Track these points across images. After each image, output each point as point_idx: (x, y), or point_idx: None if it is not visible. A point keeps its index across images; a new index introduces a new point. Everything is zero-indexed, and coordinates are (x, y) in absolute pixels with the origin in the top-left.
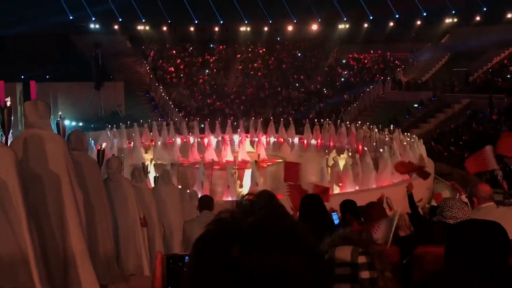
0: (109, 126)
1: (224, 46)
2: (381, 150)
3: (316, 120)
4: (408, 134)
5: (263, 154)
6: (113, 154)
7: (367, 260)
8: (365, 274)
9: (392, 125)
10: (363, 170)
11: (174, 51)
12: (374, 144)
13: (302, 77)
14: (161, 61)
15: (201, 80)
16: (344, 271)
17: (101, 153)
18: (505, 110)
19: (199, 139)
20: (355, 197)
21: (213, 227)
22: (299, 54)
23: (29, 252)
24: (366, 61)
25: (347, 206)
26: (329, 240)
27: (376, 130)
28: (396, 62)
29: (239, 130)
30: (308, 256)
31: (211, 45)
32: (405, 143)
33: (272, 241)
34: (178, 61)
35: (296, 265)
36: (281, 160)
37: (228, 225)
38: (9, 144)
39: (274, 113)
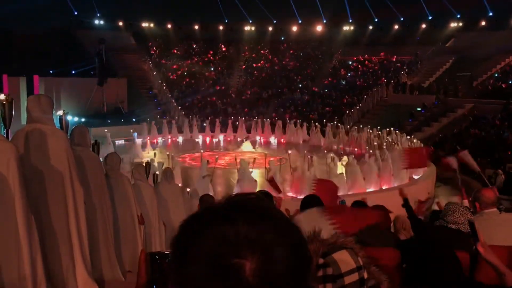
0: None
1: (228, 45)
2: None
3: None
4: (410, 137)
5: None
6: (113, 151)
7: (361, 260)
8: (365, 275)
9: (395, 129)
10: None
11: (177, 51)
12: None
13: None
14: (164, 60)
15: (203, 80)
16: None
17: (96, 147)
18: (508, 115)
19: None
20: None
21: (197, 210)
22: (301, 54)
23: (25, 246)
24: (370, 63)
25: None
26: (318, 249)
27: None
28: (399, 65)
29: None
30: (279, 229)
31: (215, 44)
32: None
33: (245, 212)
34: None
35: (268, 235)
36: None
37: (209, 206)
38: (10, 138)
39: (277, 113)
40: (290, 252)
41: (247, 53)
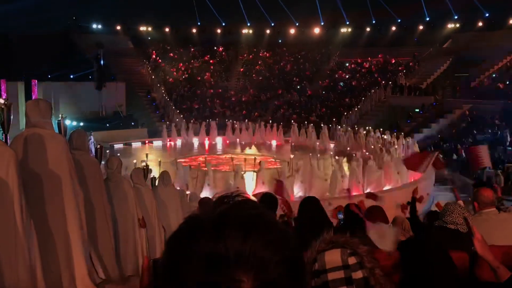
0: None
1: (226, 48)
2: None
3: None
4: (409, 138)
5: None
6: (113, 154)
7: (357, 260)
8: (357, 275)
9: (393, 130)
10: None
11: (175, 54)
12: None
13: (303, 83)
14: (163, 62)
15: (203, 84)
16: (338, 275)
17: (99, 151)
18: (506, 115)
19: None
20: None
21: (183, 223)
22: (299, 56)
23: (24, 250)
24: (367, 65)
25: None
26: (316, 246)
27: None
28: (398, 67)
29: None
30: (273, 241)
31: (213, 47)
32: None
33: (235, 225)
34: (180, 65)
35: (258, 248)
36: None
37: (196, 218)
38: (9, 143)
39: (275, 116)
40: (285, 267)
41: (246, 56)
